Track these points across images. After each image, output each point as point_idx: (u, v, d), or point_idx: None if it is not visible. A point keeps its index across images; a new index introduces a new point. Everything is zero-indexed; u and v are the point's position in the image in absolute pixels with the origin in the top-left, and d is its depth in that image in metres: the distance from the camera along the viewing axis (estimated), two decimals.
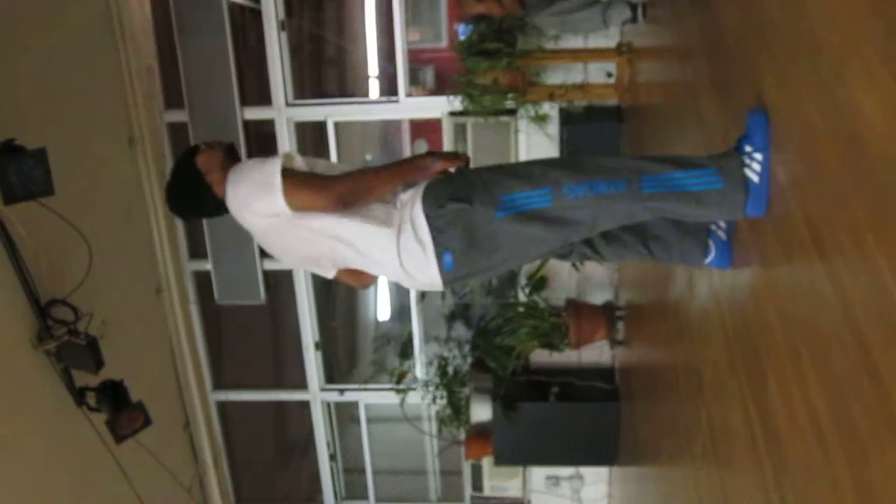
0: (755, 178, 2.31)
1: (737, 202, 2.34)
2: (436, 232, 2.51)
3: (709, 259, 2.75)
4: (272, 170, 2.52)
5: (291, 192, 2.51)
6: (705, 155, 2.45)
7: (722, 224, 2.72)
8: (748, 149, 2.31)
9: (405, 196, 2.62)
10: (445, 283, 2.61)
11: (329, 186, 2.52)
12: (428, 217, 2.51)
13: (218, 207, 2.75)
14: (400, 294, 7.62)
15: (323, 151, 6.59)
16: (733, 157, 2.35)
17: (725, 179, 2.33)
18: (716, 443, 2.99)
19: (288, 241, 2.71)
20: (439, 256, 2.53)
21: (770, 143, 2.27)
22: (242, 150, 6.32)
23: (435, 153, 2.63)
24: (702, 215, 2.48)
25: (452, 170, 2.62)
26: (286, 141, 6.48)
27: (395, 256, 2.58)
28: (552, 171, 2.46)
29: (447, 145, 6.37)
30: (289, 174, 2.53)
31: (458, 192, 2.51)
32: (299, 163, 2.64)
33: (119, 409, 4.84)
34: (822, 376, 1.90)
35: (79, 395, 4.89)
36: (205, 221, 5.93)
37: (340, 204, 2.51)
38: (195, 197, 2.77)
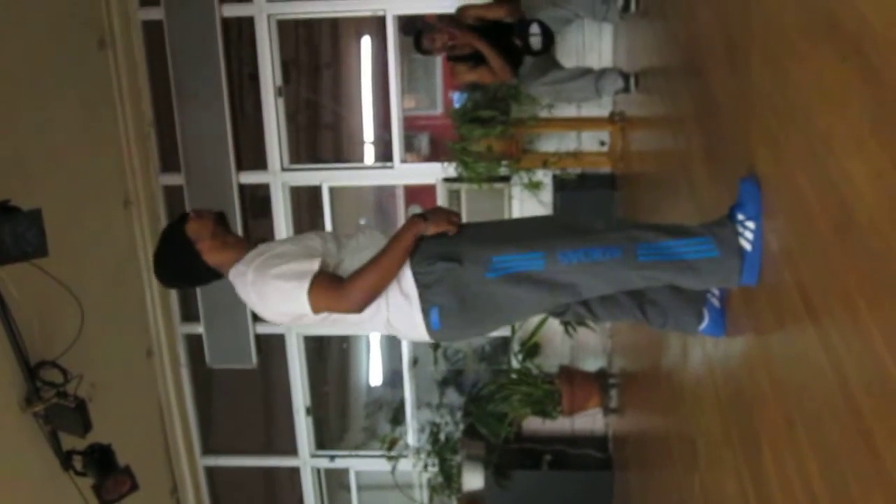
0: (748, 247, 2.32)
1: (732, 270, 2.35)
2: (422, 288, 2.50)
3: (702, 326, 2.75)
4: (305, 273, 2.47)
5: (316, 300, 2.47)
6: (699, 224, 2.46)
7: (716, 292, 2.72)
8: (741, 217, 2.33)
9: None
10: (433, 337, 2.61)
11: (348, 296, 2.46)
12: (416, 274, 2.50)
13: (207, 275, 2.72)
14: (392, 359, 7.59)
15: (318, 216, 6.61)
16: (727, 226, 2.36)
17: (720, 248, 2.34)
18: None
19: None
20: (426, 313, 2.51)
21: (762, 212, 2.29)
22: (237, 214, 6.35)
23: (427, 214, 2.57)
24: (697, 283, 2.49)
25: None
26: (281, 205, 6.51)
27: (383, 312, 2.57)
28: (545, 239, 2.45)
29: None
30: (316, 280, 2.47)
31: (449, 251, 2.49)
32: (331, 250, 2.59)
33: (106, 473, 4.77)
34: (816, 444, 1.89)
35: (66, 458, 4.82)
36: None
37: (360, 310, 2.50)
38: (184, 265, 2.74)
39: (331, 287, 2.47)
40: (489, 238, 2.53)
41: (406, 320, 2.57)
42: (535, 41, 5.20)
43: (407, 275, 2.51)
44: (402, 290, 2.52)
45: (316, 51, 7.77)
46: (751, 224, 2.31)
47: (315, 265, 2.47)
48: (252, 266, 2.53)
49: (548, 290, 2.46)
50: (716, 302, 2.72)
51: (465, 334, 2.73)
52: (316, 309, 2.49)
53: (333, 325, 2.69)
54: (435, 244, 2.53)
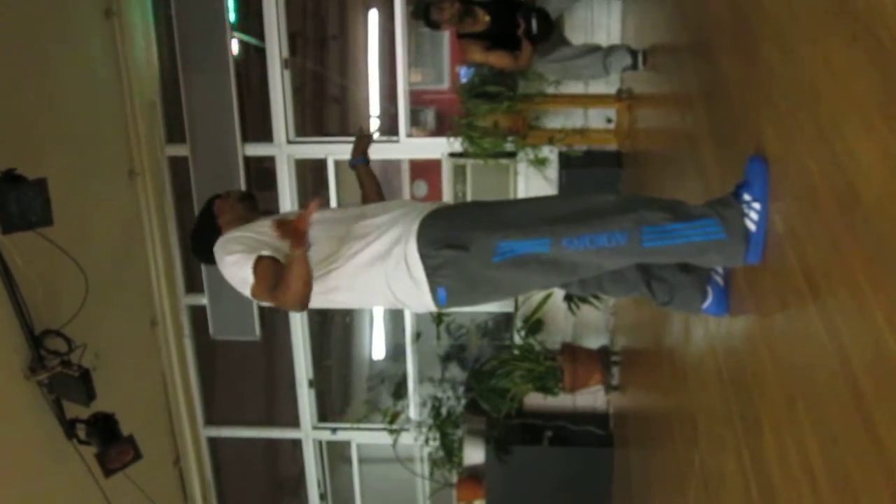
0: (753, 227, 2.32)
1: (737, 252, 2.36)
2: (430, 270, 2.53)
3: (706, 305, 2.75)
4: (242, 262, 2.64)
5: (257, 293, 2.65)
6: (704, 203, 2.45)
7: (720, 270, 2.73)
8: (747, 197, 2.32)
9: (392, 233, 2.62)
10: (440, 308, 2.68)
11: (281, 296, 2.54)
12: (423, 257, 2.53)
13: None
14: (395, 334, 7.60)
15: (323, 189, 6.61)
16: (733, 206, 2.35)
17: (727, 230, 2.34)
18: (709, 490, 2.97)
19: None
20: (434, 291, 2.57)
21: (768, 192, 2.28)
22: (242, 186, 6.34)
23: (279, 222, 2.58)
24: (702, 262, 2.51)
25: (447, 201, 2.66)
26: (286, 178, 6.50)
27: (389, 290, 2.63)
28: (550, 224, 2.45)
29: (446, 186, 6.39)
30: (258, 272, 2.61)
31: (455, 237, 2.52)
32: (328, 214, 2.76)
33: (109, 442, 4.80)
34: (817, 425, 1.90)
35: (69, 427, 4.85)
36: None
37: (300, 304, 2.56)
38: (208, 240, 2.88)
39: (265, 285, 2.61)
40: (494, 223, 2.53)
41: (413, 297, 2.63)
42: (535, 25, 5.20)
43: (415, 259, 2.54)
44: (411, 273, 2.55)
45: (323, 23, 7.73)
46: (756, 205, 2.30)
47: (251, 261, 2.62)
48: (217, 245, 2.78)
49: (554, 269, 2.48)
50: (720, 280, 2.72)
51: (471, 304, 2.79)
52: (258, 297, 2.66)
53: (338, 299, 2.75)
54: (441, 229, 2.56)
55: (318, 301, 2.67)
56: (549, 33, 5.30)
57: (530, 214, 2.55)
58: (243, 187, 6.34)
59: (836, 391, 1.76)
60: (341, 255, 2.64)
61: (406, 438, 6.97)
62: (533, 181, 6.34)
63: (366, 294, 2.70)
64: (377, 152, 6.80)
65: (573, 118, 6.27)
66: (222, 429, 7.43)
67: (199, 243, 2.98)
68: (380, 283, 2.62)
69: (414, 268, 2.55)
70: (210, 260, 2.88)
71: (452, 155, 6.30)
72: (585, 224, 2.42)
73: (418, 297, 2.60)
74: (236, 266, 2.64)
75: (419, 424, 6.91)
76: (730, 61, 2.85)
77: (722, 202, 2.39)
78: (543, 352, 6.36)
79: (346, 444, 7.46)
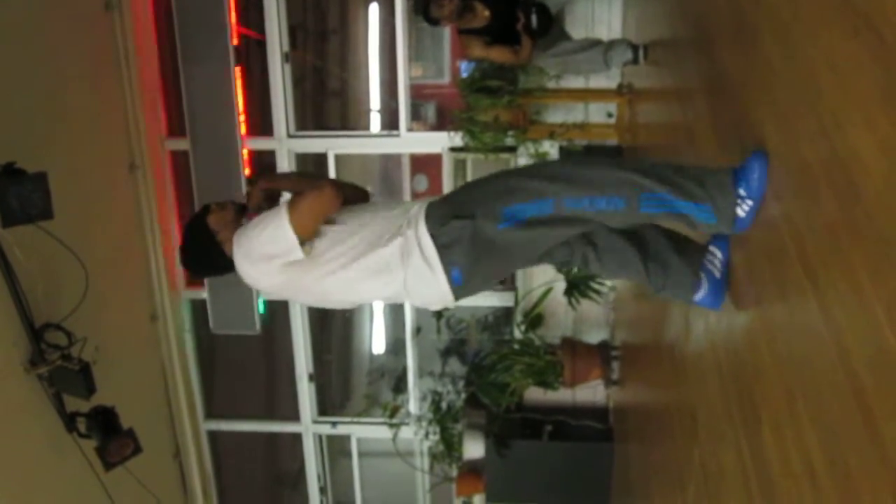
0: (742, 214, 2.39)
1: (723, 233, 2.51)
2: (442, 249, 2.55)
3: (699, 296, 2.75)
4: (278, 212, 2.58)
5: (294, 216, 2.55)
6: (704, 178, 2.44)
7: (718, 256, 2.73)
8: (742, 192, 2.35)
9: (403, 219, 2.64)
10: (457, 296, 2.66)
11: (316, 186, 2.61)
12: (433, 236, 2.55)
13: (230, 265, 2.79)
14: (395, 328, 7.60)
15: None
16: (728, 196, 2.38)
17: (718, 215, 2.40)
18: (709, 485, 2.98)
19: (308, 291, 2.80)
20: (448, 272, 2.57)
21: (764, 191, 2.30)
22: (242, 181, 6.34)
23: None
24: (692, 231, 2.62)
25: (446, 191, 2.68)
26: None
27: (400, 275, 2.63)
28: (552, 185, 2.48)
29: (447, 180, 6.39)
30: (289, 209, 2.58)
31: (460, 209, 2.56)
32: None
33: (109, 435, 4.81)
34: (816, 419, 1.90)
35: (69, 420, 4.86)
36: None
37: (338, 195, 2.61)
38: (207, 256, 2.82)
39: (300, 200, 2.59)
40: (497, 191, 2.56)
41: (426, 283, 2.62)
42: (535, 20, 5.19)
43: (425, 239, 2.56)
44: (424, 254, 2.57)
45: (323, 16, 7.72)
46: (750, 202, 2.35)
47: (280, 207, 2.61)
48: (235, 240, 2.70)
49: (561, 225, 2.53)
50: (715, 271, 2.73)
51: (488, 284, 2.80)
52: (299, 224, 2.55)
53: (344, 290, 2.74)
54: (446, 205, 2.61)
55: (340, 289, 2.71)
56: (549, 28, 5.30)
57: (531, 178, 2.56)
58: (244, 181, 6.34)
59: (835, 385, 1.76)
60: (351, 248, 2.64)
61: (406, 432, 6.98)
62: None
63: (380, 286, 2.69)
64: (378, 147, 6.86)
65: (574, 113, 6.27)
66: (222, 422, 7.44)
67: (197, 259, 2.91)
68: (395, 270, 2.63)
69: (427, 249, 2.56)
70: (214, 271, 2.88)
71: (453, 149, 6.30)
72: (585, 187, 2.47)
73: (434, 282, 2.60)
74: (272, 229, 2.58)
75: (419, 418, 6.92)
76: (730, 56, 2.85)
77: (720, 185, 2.40)
78: (543, 346, 6.36)
79: (346, 438, 7.47)
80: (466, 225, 2.52)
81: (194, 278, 2.96)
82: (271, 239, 2.58)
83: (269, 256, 2.62)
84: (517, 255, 2.70)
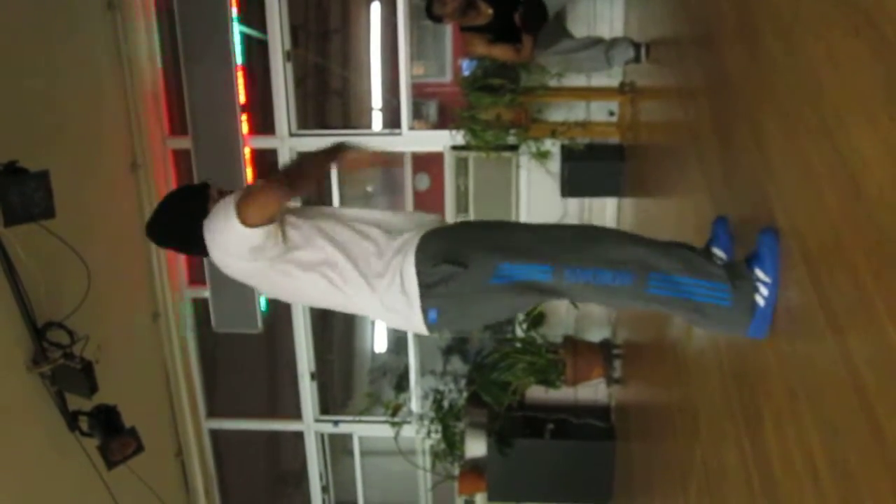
0: (761, 303, 2.25)
1: (740, 323, 2.30)
2: (424, 288, 2.45)
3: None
4: (227, 200, 2.47)
5: (241, 208, 2.41)
6: (721, 266, 2.35)
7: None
8: (758, 272, 2.25)
9: (394, 243, 2.54)
10: (431, 332, 2.57)
11: (268, 182, 2.45)
12: (419, 273, 2.45)
13: (203, 250, 2.63)
14: None
15: (324, 182, 6.61)
16: (746, 278, 2.27)
17: (734, 299, 2.27)
18: (710, 483, 2.98)
19: (274, 285, 2.69)
20: (424, 311, 2.48)
21: (780, 268, 2.20)
22: (243, 179, 6.34)
23: (349, 147, 2.67)
24: (703, 325, 2.44)
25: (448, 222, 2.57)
26: None
27: (378, 303, 2.55)
28: (556, 250, 2.38)
29: (448, 179, 6.38)
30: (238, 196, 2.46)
31: (454, 252, 2.43)
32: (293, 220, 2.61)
33: (111, 434, 4.81)
34: (818, 418, 1.90)
35: (72, 419, 4.86)
36: None
37: (286, 191, 2.46)
38: (188, 232, 2.62)
39: (248, 189, 2.47)
40: (498, 244, 2.45)
41: (399, 315, 2.55)
42: (523, 13, 5.19)
43: (410, 273, 2.45)
44: (404, 287, 2.47)
45: (325, 15, 7.72)
46: (768, 280, 2.22)
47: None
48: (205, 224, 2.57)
49: (552, 295, 2.43)
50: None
51: (461, 329, 2.73)
52: (245, 215, 2.40)
53: (327, 300, 2.67)
54: (442, 243, 2.48)
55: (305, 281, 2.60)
56: (541, 21, 5.26)
57: (536, 239, 2.47)
58: (247, 179, 6.35)
59: (837, 383, 1.76)
60: (339, 257, 2.54)
61: (408, 431, 6.97)
62: (535, 174, 6.34)
63: (355, 303, 2.60)
64: (380, 145, 6.85)
65: (575, 111, 6.26)
66: (224, 421, 7.44)
67: (176, 230, 2.71)
68: (371, 297, 2.54)
69: (408, 283, 2.46)
70: (171, 245, 2.80)
71: (455, 148, 6.30)
72: (592, 259, 2.35)
73: (408, 316, 2.52)
74: (223, 218, 2.46)
75: (421, 417, 6.91)
76: (732, 54, 2.84)
77: (737, 272, 2.30)
78: (545, 345, 6.35)
79: (348, 437, 7.48)
80: (457, 273, 2.40)
81: (158, 244, 2.81)
82: (222, 229, 2.47)
83: (226, 244, 2.51)
84: (500, 310, 2.60)
